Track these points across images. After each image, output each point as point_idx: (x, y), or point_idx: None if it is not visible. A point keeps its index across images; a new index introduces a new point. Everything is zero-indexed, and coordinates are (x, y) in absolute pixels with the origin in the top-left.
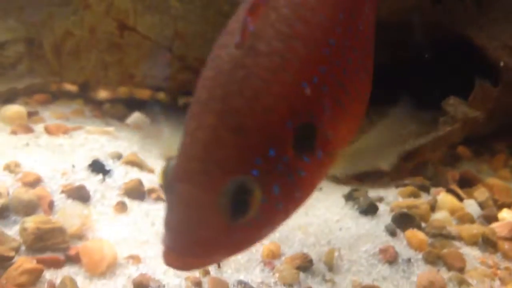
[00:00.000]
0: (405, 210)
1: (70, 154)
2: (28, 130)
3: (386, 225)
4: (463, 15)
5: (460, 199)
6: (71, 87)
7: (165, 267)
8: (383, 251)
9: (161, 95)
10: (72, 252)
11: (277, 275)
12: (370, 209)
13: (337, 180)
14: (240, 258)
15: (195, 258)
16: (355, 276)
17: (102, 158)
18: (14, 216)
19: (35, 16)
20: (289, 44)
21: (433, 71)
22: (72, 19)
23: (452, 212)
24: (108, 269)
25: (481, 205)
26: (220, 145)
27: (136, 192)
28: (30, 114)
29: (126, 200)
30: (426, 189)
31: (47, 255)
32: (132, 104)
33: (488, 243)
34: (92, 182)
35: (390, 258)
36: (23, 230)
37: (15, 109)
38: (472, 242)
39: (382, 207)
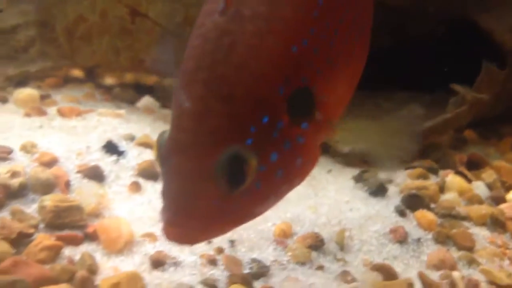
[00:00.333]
0: (414, 191)
1: (84, 135)
2: (42, 112)
3: (396, 206)
4: None
5: (468, 180)
6: (81, 72)
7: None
8: (393, 231)
9: (170, 81)
10: (90, 229)
11: (289, 253)
12: (379, 191)
13: (347, 161)
14: (253, 237)
15: (194, 230)
16: (366, 255)
17: (115, 139)
18: (33, 195)
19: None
20: (274, 7)
21: (439, 54)
22: (85, 4)
23: (461, 193)
24: (125, 246)
25: (489, 187)
26: (210, 115)
27: (150, 172)
28: (43, 97)
29: (140, 180)
30: (434, 171)
31: (66, 232)
32: (141, 89)
33: (497, 224)
34: (106, 163)
35: (400, 238)
36: (42, 208)
37: (28, 92)
38: (481, 222)
39: (391, 188)
